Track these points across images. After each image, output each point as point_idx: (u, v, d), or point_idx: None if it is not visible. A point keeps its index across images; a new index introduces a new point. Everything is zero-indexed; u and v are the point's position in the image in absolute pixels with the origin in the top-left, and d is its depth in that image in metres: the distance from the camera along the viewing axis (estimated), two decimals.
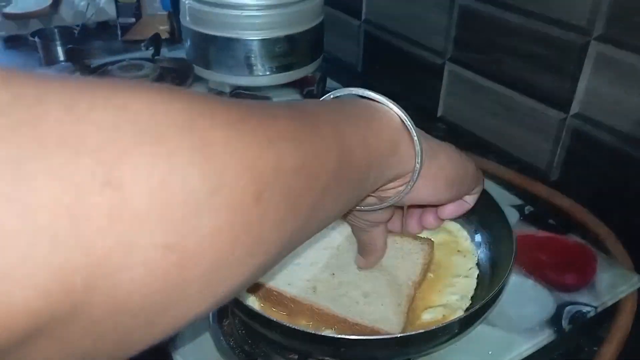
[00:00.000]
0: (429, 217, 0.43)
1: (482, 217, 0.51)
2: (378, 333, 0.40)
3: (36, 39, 0.99)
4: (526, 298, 0.50)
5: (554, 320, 0.48)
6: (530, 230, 0.58)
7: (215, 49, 0.80)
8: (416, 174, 0.34)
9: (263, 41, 0.79)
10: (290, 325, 0.37)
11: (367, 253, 0.46)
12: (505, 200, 0.63)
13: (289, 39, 0.80)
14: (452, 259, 0.49)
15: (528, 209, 0.61)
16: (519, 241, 0.55)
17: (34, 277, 0.14)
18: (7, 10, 1.13)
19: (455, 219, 0.52)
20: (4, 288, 0.14)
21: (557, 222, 0.61)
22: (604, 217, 0.66)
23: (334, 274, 0.46)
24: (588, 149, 0.70)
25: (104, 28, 1.21)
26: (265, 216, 0.22)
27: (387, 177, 0.33)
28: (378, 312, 0.42)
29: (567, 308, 0.49)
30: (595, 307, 0.49)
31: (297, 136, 0.24)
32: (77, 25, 1.13)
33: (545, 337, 0.47)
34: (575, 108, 0.70)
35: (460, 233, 0.51)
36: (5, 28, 1.12)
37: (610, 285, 0.51)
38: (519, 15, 0.73)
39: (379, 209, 0.38)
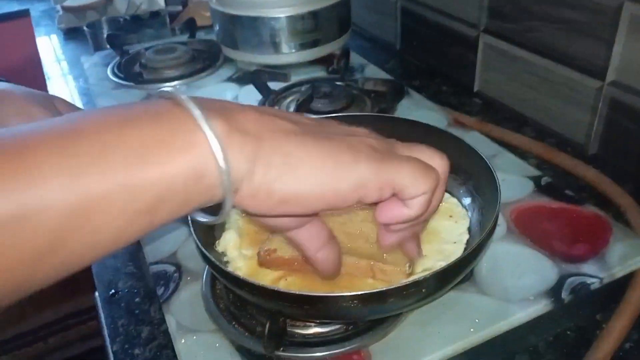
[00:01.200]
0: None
1: (477, 181, 0.49)
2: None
3: (87, 29, 1.06)
4: (527, 268, 0.47)
5: (554, 291, 0.45)
6: (544, 201, 0.55)
7: (241, 29, 0.81)
8: (228, 204, 0.28)
9: (287, 18, 0.79)
10: (254, 282, 0.38)
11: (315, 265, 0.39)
12: (523, 171, 0.60)
13: (313, 15, 0.80)
14: (444, 224, 0.48)
15: (545, 179, 0.58)
16: (529, 212, 0.53)
17: None
18: (66, 4, 1.21)
19: (449, 188, 0.51)
20: None
21: (578, 194, 0.58)
22: None
23: None
24: (627, 118, 0.65)
25: (154, 17, 1.27)
26: None
27: (191, 205, 0.28)
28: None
29: (570, 279, 0.46)
30: (601, 279, 0.46)
31: None
32: (129, 16, 1.19)
33: (540, 307, 0.44)
34: (611, 76, 0.65)
35: (451, 200, 0.49)
36: (65, 21, 1.21)
37: (622, 256, 0.47)
38: None
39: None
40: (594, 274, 0.46)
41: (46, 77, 1.05)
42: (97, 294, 0.68)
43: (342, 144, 0.31)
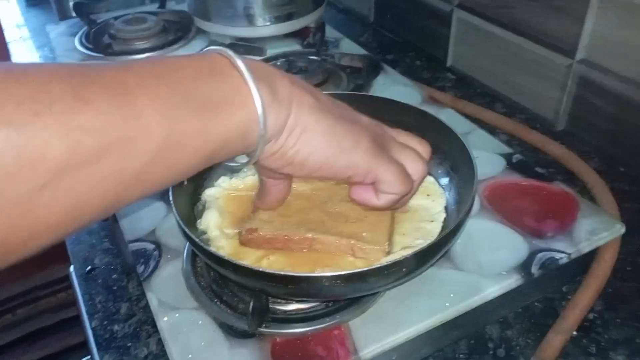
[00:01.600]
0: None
1: (454, 161, 0.50)
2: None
3: None
4: (499, 244, 0.49)
5: (524, 266, 0.47)
6: (515, 178, 0.56)
7: (214, 0, 0.80)
8: (255, 155, 0.34)
9: None
10: (238, 262, 0.39)
11: (262, 196, 0.45)
12: (495, 148, 0.62)
13: None
14: (421, 202, 0.49)
15: (516, 157, 0.60)
16: (501, 189, 0.55)
17: None
18: None
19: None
20: None
21: (547, 170, 0.60)
22: (609, 166, 0.64)
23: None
24: (595, 95, 0.67)
25: None
26: (51, 204, 0.25)
27: (235, 154, 0.34)
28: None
29: (540, 254, 0.48)
30: (569, 254, 0.48)
31: (103, 125, 0.26)
32: None
33: (512, 281, 0.46)
34: (581, 53, 0.67)
35: (427, 179, 0.50)
36: None
37: (589, 232, 0.50)
38: None
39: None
40: (563, 249, 0.48)
41: (7, 44, 1.02)
42: (72, 269, 0.68)
43: (349, 130, 0.37)
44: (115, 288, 0.55)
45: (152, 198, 0.59)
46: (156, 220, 0.56)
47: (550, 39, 0.70)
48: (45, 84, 0.25)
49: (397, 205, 0.43)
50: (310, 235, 0.44)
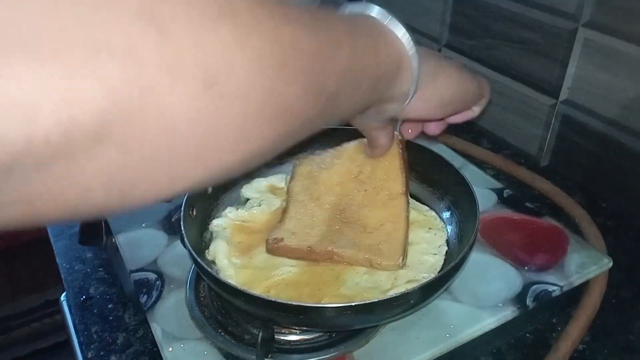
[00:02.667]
0: (431, 125, 0.49)
1: (454, 196, 0.52)
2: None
3: None
4: (494, 276, 0.51)
5: (519, 298, 0.49)
6: (506, 213, 0.59)
7: None
8: (409, 99, 0.38)
9: None
10: (251, 292, 0.39)
11: (372, 146, 0.50)
12: (486, 183, 0.64)
13: None
14: (423, 236, 0.51)
15: (507, 192, 0.62)
16: (494, 223, 0.57)
17: (103, 79, 0.17)
18: None
19: (428, 202, 0.54)
20: (76, 85, 0.17)
21: (535, 205, 0.62)
22: (591, 201, 0.67)
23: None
24: (577, 134, 0.70)
25: None
26: (289, 86, 0.24)
27: (389, 94, 0.37)
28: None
29: (533, 287, 0.50)
30: (561, 287, 0.50)
31: (312, 25, 0.27)
32: None
33: (508, 313, 0.48)
34: (564, 94, 0.71)
35: (429, 213, 0.52)
36: None
37: (579, 265, 0.52)
38: (511, 1, 0.73)
39: (374, 121, 0.44)
40: (555, 282, 0.50)
41: None
42: (63, 296, 0.67)
43: (468, 77, 0.44)
44: (111, 318, 0.55)
45: (151, 227, 0.60)
46: (157, 249, 0.56)
47: (535, 79, 0.74)
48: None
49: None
50: (330, 248, 0.47)
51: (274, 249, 0.48)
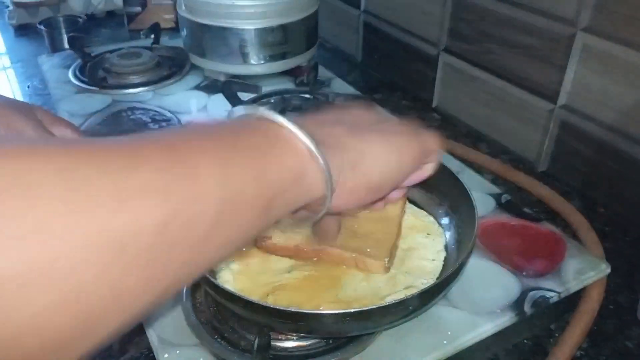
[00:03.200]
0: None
1: (453, 201, 0.52)
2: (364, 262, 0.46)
3: (43, 27, 1.02)
4: (492, 282, 0.51)
5: (517, 304, 0.49)
6: (504, 218, 0.59)
7: (210, 38, 0.82)
8: (327, 201, 0.33)
9: (256, 30, 0.80)
10: (249, 299, 0.39)
11: (320, 237, 0.47)
12: (484, 188, 0.64)
13: (283, 28, 0.82)
14: (422, 241, 0.51)
15: (505, 197, 0.62)
16: (492, 228, 0.57)
17: None
18: None
19: (426, 207, 0.54)
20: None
21: (533, 211, 0.62)
22: (589, 207, 0.67)
23: None
24: (575, 140, 0.70)
25: (111, 17, 1.24)
26: (121, 284, 0.22)
27: (296, 205, 0.32)
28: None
29: (531, 293, 0.50)
30: (559, 293, 0.50)
31: (162, 188, 0.24)
32: (85, 15, 1.16)
33: (506, 319, 0.48)
34: (562, 99, 0.71)
35: (427, 218, 0.52)
36: (17, 16, 1.16)
37: (576, 271, 0.52)
38: (509, 6, 0.73)
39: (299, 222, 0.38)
40: (553, 288, 0.50)
41: None
42: None
43: (390, 133, 0.38)
44: None
45: None
46: None
47: (533, 84, 0.74)
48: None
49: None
50: (318, 247, 0.47)
51: (262, 246, 0.49)
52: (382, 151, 0.37)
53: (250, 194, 0.28)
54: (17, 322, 0.20)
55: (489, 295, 0.50)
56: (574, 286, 0.51)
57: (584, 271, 0.52)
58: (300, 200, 0.32)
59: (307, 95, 0.79)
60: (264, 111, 0.32)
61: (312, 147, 0.31)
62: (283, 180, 0.30)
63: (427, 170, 0.42)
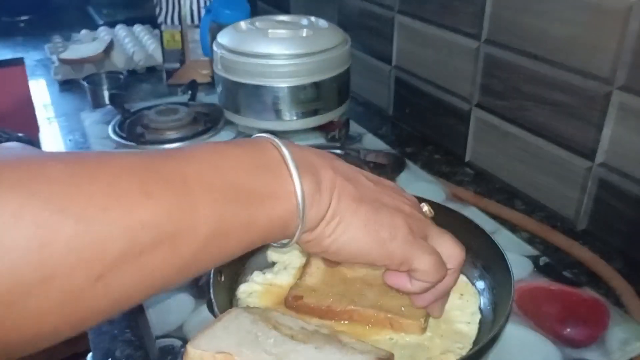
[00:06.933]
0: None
1: (487, 262, 0.51)
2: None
3: (85, 83, 1.07)
4: (531, 351, 0.49)
5: None
6: (544, 282, 0.57)
7: (244, 95, 0.84)
8: (289, 245, 0.36)
9: (290, 88, 0.82)
10: None
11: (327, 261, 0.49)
12: (520, 249, 0.62)
13: (316, 85, 0.83)
14: (455, 303, 0.49)
15: (543, 259, 0.60)
16: (531, 293, 0.55)
17: None
18: (64, 55, 1.22)
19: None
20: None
21: (573, 274, 0.60)
22: (631, 269, 0.64)
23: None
24: (615, 198, 0.68)
25: (151, 72, 1.29)
26: (102, 294, 0.27)
27: (273, 242, 0.36)
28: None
29: None
30: None
31: (161, 220, 0.28)
32: (126, 71, 1.21)
33: None
34: (600, 157, 0.69)
35: (461, 279, 0.50)
36: (62, 72, 1.22)
37: (621, 342, 0.49)
38: (543, 63, 0.73)
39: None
40: (596, 359, 0.48)
41: (39, 125, 1.06)
42: (89, 357, 0.67)
43: (387, 220, 0.38)
44: None
45: (179, 290, 0.60)
46: (184, 314, 0.56)
47: (569, 141, 0.72)
48: (115, 177, 0.27)
49: (437, 294, 0.43)
50: (351, 307, 0.46)
51: (293, 307, 0.48)
52: (362, 223, 0.37)
53: (236, 235, 0.32)
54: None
55: None
56: (619, 358, 0.48)
57: (629, 341, 0.49)
58: (276, 240, 0.36)
59: (338, 151, 0.79)
60: (280, 145, 0.35)
61: (301, 201, 0.34)
62: (271, 226, 0.34)
63: (412, 286, 0.41)
